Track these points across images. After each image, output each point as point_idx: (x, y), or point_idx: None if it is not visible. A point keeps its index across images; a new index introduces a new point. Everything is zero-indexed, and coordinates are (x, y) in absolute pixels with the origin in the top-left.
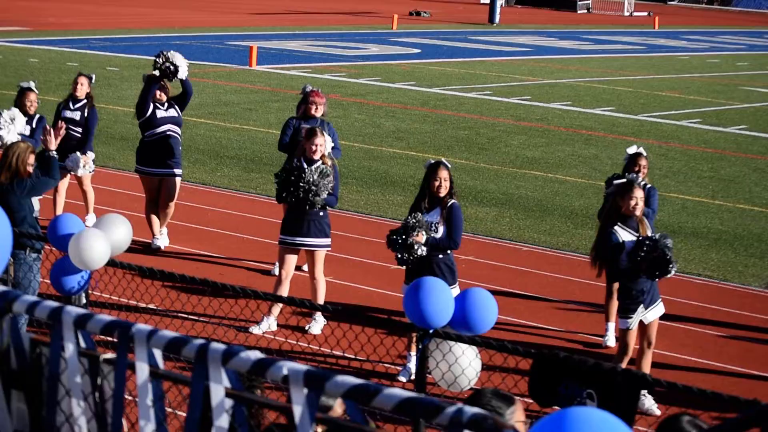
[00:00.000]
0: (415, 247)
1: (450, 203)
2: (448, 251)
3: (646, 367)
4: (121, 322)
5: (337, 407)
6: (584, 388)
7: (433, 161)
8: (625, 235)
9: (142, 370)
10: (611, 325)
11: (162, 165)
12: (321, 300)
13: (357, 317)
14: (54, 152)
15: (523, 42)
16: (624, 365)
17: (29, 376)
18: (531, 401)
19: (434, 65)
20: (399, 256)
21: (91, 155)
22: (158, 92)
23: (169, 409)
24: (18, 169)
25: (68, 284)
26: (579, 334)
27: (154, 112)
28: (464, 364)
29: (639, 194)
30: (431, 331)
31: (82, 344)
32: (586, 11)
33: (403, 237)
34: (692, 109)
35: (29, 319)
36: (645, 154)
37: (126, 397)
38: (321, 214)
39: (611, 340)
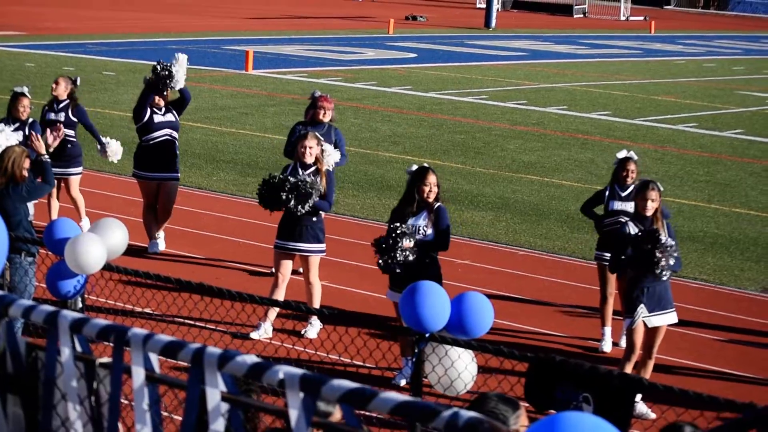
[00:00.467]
0: (407, 254)
1: (437, 206)
2: (435, 255)
3: (645, 376)
4: (117, 326)
5: (337, 413)
6: (580, 392)
7: (417, 167)
8: (634, 230)
9: (138, 374)
10: (607, 330)
11: (160, 169)
12: (316, 304)
13: (353, 321)
14: (47, 157)
15: (519, 46)
16: (631, 365)
17: (25, 380)
18: (527, 405)
19: (430, 70)
20: (383, 263)
21: (114, 143)
22: (156, 96)
23: (165, 413)
24: (14, 173)
25: (64, 288)
26: (575, 338)
27: (151, 116)
28: (460, 368)
29: (652, 195)
30: (427, 335)
31: (78, 348)
32: (582, 16)
33: (391, 244)
34: (688, 113)
35: (25, 323)
36: (635, 158)
37: (122, 401)
38: (315, 219)
39: (607, 346)
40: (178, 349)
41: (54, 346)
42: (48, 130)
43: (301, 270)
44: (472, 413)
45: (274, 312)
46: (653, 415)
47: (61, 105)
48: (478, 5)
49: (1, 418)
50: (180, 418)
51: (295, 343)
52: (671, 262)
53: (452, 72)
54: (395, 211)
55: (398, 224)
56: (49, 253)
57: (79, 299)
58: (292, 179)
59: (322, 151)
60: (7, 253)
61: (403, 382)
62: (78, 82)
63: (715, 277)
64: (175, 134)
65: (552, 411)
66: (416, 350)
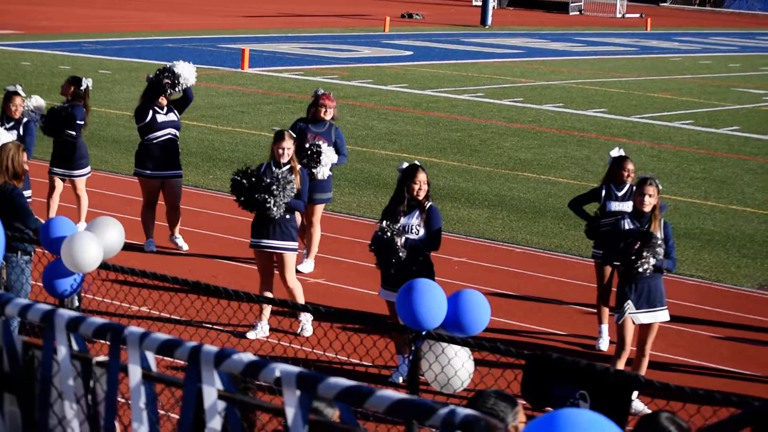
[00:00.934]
0: (399, 253)
1: (428, 206)
2: (427, 252)
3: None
4: (114, 324)
5: (336, 417)
6: (577, 389)
7: (407, 164)
8: (629, 226)
9: (135, 373)
10: (604, 328)
11: (163, 168)
12: (301, 301)
13: (350, 319)
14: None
15: (515, 44)
16: (623, 361)
17: (22, 379)
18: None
19: (426, 67)
20: (383, 254)
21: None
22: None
23: (162, 412)
24: (15, 170)
25: (61, 287)
26: (572, 335)
27: (154, 116)
28: (457, 366)
29: (650, 191)
30: (424, 333)
31: (75, 347)
32: (578, 13)
33: (390, 239)
34: (684, 110)
35: (21, 322)
36: (627, 156)
37: (119, 399)
38: (288, 217)
39: (604, 343)
40: (175, 347)
41: (50, 345)
42: None
43: (298, 267)
44: (468, 410)
45: (268, 309)
46: (649, 412)
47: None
48: (474, 3)
49: None
50: (177, 417)
51: (291, 341)
52: (652, 262)
53: (448, 70)
54: (386, 210)
55: (386, 223)
56: (46, 251)
57: (76, 298)
58: (267, 179)
59: (321, 153)
60: (3, 251)
61: (400, 380)
62: (83, 84)
63: (711, 273)
64: (176, 133)
65: (549, 408)
66: (413, 348)
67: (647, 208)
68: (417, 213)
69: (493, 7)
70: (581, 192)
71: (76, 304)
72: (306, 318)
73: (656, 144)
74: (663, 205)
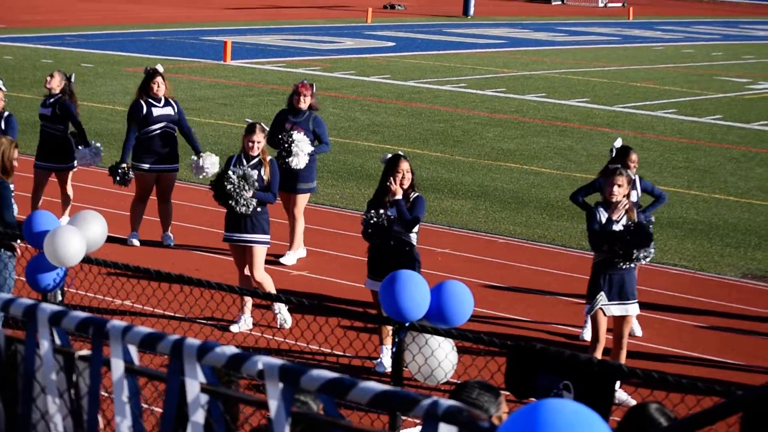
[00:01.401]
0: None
1: (415, 195)
2: (414, 243)
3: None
4: (96, 318)
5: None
6: (561, 380)
7: (390, 155)
8: (606, 216)
9: (118, 367)
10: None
11: (159, 162)
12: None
13: (333, 311)
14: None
15: (497, 34)
16: (598, 353)
17: (4, 373)
18: (507, 393)
19: (409, 58)
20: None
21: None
22: (155, 87)
23: (145, 405)
24: (5, 165)
25: (44, 281)
26: (555, 325)
27: (149, 109)
28: (440, 357)
29: (619, 181)
30: (407, 325)
31: (57, 341)
32: (560, 3)
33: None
34: (667, 99)
35: (4, 316)
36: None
37: (102, 393)
38: (259, 209)
39: (588, 333)
40: (157, 340)
41: (33, 339)
42: None
43: (281, 259)
44: (451, 402)
45: (250, 302)
46: (633, 402)
47: (52, 100)
48: None
49: None
50: (160, 410)
51: (274, 334)
52: (644, 254)
53: (431, 60)
54: (371, 202)
55: (372, 213)
56: (29, 246)
57: (59, 292)
58: (229, 175)
59: (293, 141)
60: None
61: (383, 370)
62: (72, 79)
63: (694, 263)
64: (173, 127)
65: (532, 399)
66: (396, 340)
67: (616, 198)
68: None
69: None
70: (565, 182)
71: (60, 298)
72: (281, 308)
73: (639, 133)
74: (636, 203)
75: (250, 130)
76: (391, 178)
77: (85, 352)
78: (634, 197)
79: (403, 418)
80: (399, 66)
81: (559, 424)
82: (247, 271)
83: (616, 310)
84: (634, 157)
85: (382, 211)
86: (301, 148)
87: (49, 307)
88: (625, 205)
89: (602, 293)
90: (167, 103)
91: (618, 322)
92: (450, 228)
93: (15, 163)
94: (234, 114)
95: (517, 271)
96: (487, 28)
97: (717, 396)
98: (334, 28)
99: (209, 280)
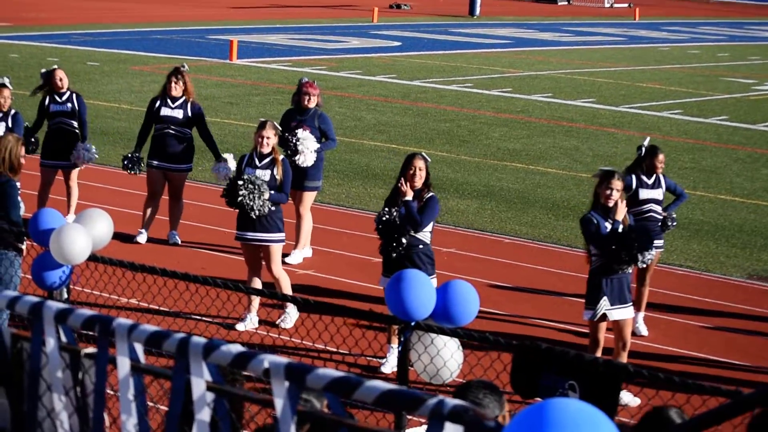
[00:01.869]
0: (403, 238)
1: (428, 195)
2: (428, 242)
3: None
4: (102, 316)
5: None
6: (566, 380)
7: (410, 153)
8: (601, 222)
9: (123, 365)
10: None
11: (166, 160)
12: (287, 293)
13: (338, 310)
14: None
15: (503, 34)
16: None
17: (10, 371)
18: (513, 392)
19: (415, 58)
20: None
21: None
22: (173, 85)
23: (151, 403)
24: (12, 163)
25: (49, 279)
26: (561, 324)
27: (159, 108)
28: (446, 357)
29: (618, 185)
30: (413, 324)
31: (63, 339)
32: (566, 3)
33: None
34: (673, 100)
35: (10, 314)
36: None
37: (107, 391)
38: (273, 208)
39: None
40: (163, 338)
41: (39, 337)
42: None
43: (287, 258)
44: (457, 401)
45: (256, 301)
46: (638, 401)
47: (65, 96)
48: None
49: None
50: (166, 408)
51: (280, 333)
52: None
53: (437, 60)
54: (387, 200)
55: (385, 210)
56: (35, 244)
57: (65, 290)
58: (241, 181)
59: (298, 139)
60: None
61: (387, 370)
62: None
63: (700, 263)
64: (179, 129)
65: (538, 399)
66: (401, 339)
67: (611, 203)
68: (416, 203)
69: None
70: (571, 183)
71: (65, 296)
72: (292, 312)
73: (645, 134)
74: (680, 191)
75: (262, 125)
76: (402, 179)
77: (90, 349)
78: (659, 195)
79: (409, 417)
80: (405, 65)
81: (566, 423)
82: (253, 269)
83: (617, 314)
84: (661, 157)
85: (395, 209)
86: (307, 146)
87: (55, 305)
88: (623, 209)
89: (605, 298)
90: (181, 105)
91: (619, 327)
92: (456, 228)
93: (22, 161)
94: (240, 113)
95: (523, 270)
96: (493, 28)
97: (723, 397)
98: (340, 28)
99: (215, 278)
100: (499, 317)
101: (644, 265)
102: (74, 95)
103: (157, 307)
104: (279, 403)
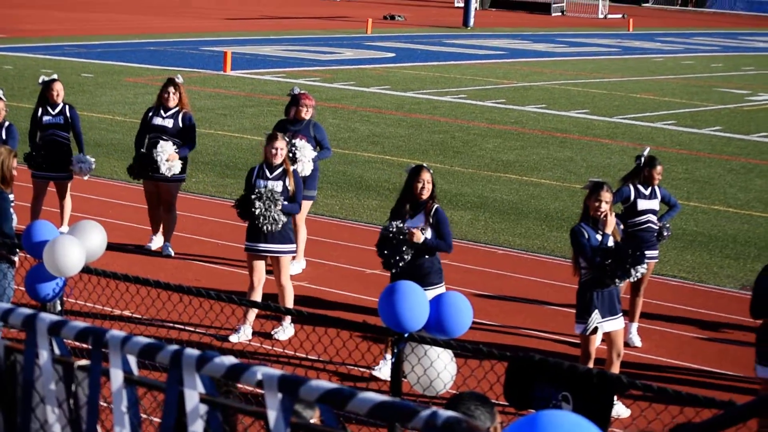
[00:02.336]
0: (407, 252)
1: (434, 208)
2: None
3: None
4: (95, 328)
5: (316, 416)
6: (559, 391)
7: (414, 165)
8: (591, 233)
9: (117, 377)
10: None
11: (155, 170)
12: (289, 305)
13: (331, 321)
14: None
15: (497, 45)
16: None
17: (3, 383)
18: (506, 404)
19: (409, 69)
20: (388, 261)
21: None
22: (170, 96)
23: (144, 415)
24: (4, 175)
25: (43, 291)
26: (554, 335)
27: (152, 117)
28: (439, 368)
29: (606, 197)
30: (406, 335)
31: (57, 351)
32: (560, 14)
33: (395, 241)
34: (667, 110)
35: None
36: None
37: (101, 403)
38: (285, 219)
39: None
40: (157, 351)
41: (32, 349)
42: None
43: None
44: (450, 413)
45: (252, 314)
46: (629, 412)
47: (59, 108)
48: (456, 4)
49: None
50: (159, 420)
51: (274, 344)
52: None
53: (431, 71)
54: (393, 210)
55: (391, 225)
56: (28, 256)
57: (58, 302)
58: (256, 195)
59: (296, 148)
60: None
61: (380, 375)
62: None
63: (694, 274)
64: (173, 140)
65: (531, 410)
66: (395, 350)
67: (601, 214)
68: (422, 215)
69: (475, 9)
70: (565, 194)
71: (59, 308)
72: (287, 325)
73: (639, 144)
74: (657, 211)
75: (272, 137)
76: (411, 230)
77: (84, 362)
78: (656, 205)
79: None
80: (399, 77)
81: None
82: (257, 281)
83: (608, 326)
84: (659, 168)
85: (399, 223)
86: (305, 155)
87: (48, 317)
88: (612, 221)
89: (597, 312)
90: (173, 116)
91: (611, 338)
92: None
93: (14, 173)
94: (234, 124)
95: (516, 282)
96: (486, 39)
97: (716, 408)
98: (334, 39)
99: (208, 289)
100: (493, 328)
101: (636, 279)
102: (67, 107)
103: (150, 319)
104: (272, 415)
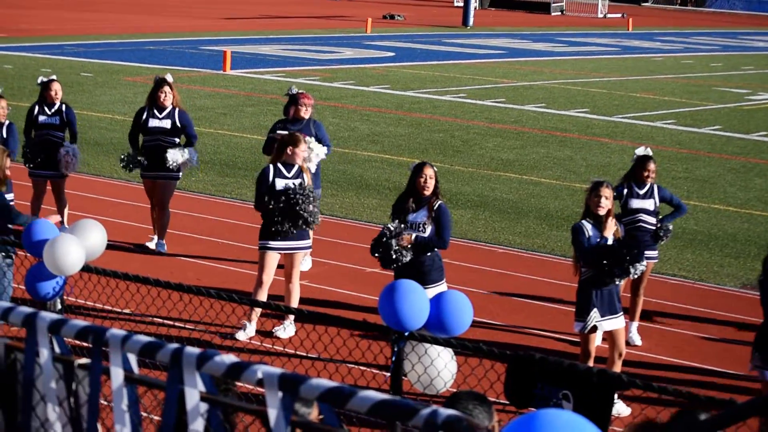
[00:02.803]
0: (404, 253)
1: (437, 204)
2: (436, 249)
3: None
4: (96, 327)
5: (314, 411)
6: (560, 390)
7: (418, 161)
8: (592, 231)
9: (117, 375)
10: None
11: (151, 169)
12: (295, 304)
13: (332, 320)
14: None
15: (497, 44)
16: None
17: (4, 382)
18: (507, 402)
19: (408, 68)
20: (384, 259)
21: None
22: (164, 96)
23: (145, 414)
24: None
25: (43, 290)
26: (554, 333)
27: (147, 119)
28: (440, 367)
29: (606, 193)
30: (407, 334)
31: (57, 350)
32: (559, 13)
33: (387, 242)
34: (666, 110)
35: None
36: (652, 156)
37: (101, 402)
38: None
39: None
40: (157, 349)
41: (32, 348)
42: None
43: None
44: (451, 411)
45: (257, 312)
46: (628, 410)
47: (55, 108)
48: (455, 4)
49: None
50: (159, 419)
51: (274, 343)
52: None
53: (430, 71)
54: (395, 205)
55: (390, 225)
56: (28, 255)
57: (58, 301)
58: (292, 192)
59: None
60: None
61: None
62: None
63: (694, 273)
64: (167, 139)
65: (531, 408)
66: (395, 349)
67: (602, 211)
68: (425, 211)
69: (475, 8)
70: (564, 193)
71: (59, 307)
72: (290, 323)
73: (638, 144)
74: (654, 211)
75: (297, 140)
76: (402, 236)
77: (84, 360)
78: (651, 205)
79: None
80: (398, 76)
81: None
82: (268, 279)
83: (607, 325)
84: (651, 166)
85: (397, 223)
86: (316, 150)
87: (48, 316)
88: (614, 221)
89: (596, 310)
90: (168, 115)
91: (613, 337)
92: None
93: (8, 172)
94: (233, 124)
95: (516, 280)
96: (486, 38)
97: (716, 407)
98: (333, 38)
99: (208, 288)
100: (493, 327)
101: (635, 277)
102: (64, 107)
103: (151, 318)
104: (273, 413)
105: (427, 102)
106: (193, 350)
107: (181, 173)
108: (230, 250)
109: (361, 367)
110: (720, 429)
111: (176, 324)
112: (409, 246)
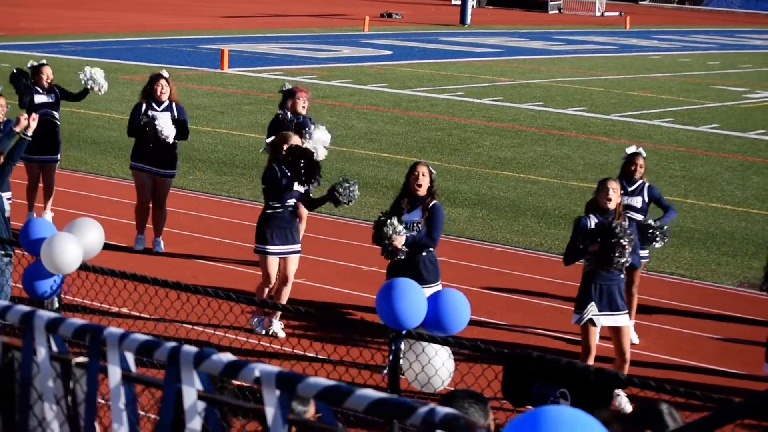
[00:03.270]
0: (398, 254)
1: (432, 203)
2: (431, 249)
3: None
4: (93, 325)
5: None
6: (557, 388)
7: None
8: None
9: (114, 374)
10: None
11: (152, 164)
12: (284, 300)
13: (330, 319)
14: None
15: (494, 43)
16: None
17: (1, 380)
18: (505, 400)
19: (406, 67)
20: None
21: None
22: (162, 90)
23: (142, 412)
24: None
25: (41, 288)
26: (552, 332)
27: (146, 111)
28: (437, 365)
29: (614, 186)
30: (404, 332)
31: (54, 348)
32: (557, 12)
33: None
34: (664, 108)
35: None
36: (643, 154)
37: (98, 400)
38: (297, 219)
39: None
40: (154, 348)
41: (30, 346)
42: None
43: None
44: (448, 409)
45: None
46: (629, 409)
47: (47, 87)
48: (453, 2)
49: None
50: (157, 417)
51: (272, 341)
52: (629, 251)
53: (428, 69)
54: (392, 206)
55: (382, 217)
56: (26, 253)
57: (56, 299)
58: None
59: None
60: None
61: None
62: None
63: (691, 271)
64: (162, 133)
65: (529, 407)
66: (393, 347)
67: (612, 205)
68: (420, 210)
69: (472, 6)
70: (562, 191)
71: (57, 305)
72: (277, 318)
73: (636, 142)
74: (642, 208)
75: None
76: (394, 237)
77: (82, 359)
78: (638, 203)
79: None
80: (396, 74)
81: (560, 430)
82: (273, 280)
83: (605, 320)
84: (640, 161)
85: (394, 221)
86: (323, 138)
87: (45, 314)
88: (622, 214)
89: (593, 303)
90: (167, 109)
91: (614, 335)
92: (447, 236)
93: None
94: (231, 122)
95: (514, 278)
96: (484, 36)
97: (714, 405)
98: (331, 37)
99: (206, 287)
100: (491, 325)
101: (623, 261)
102: (55, 87)
103: (148, 316)
104: (270, 412)
105: (424, 100)
106: (190, 349)
107: (175, 172)
108: (228, 248)
109: (359, 366)
110: (718, 428)
111: (174, 322)
112: (401, 246)
